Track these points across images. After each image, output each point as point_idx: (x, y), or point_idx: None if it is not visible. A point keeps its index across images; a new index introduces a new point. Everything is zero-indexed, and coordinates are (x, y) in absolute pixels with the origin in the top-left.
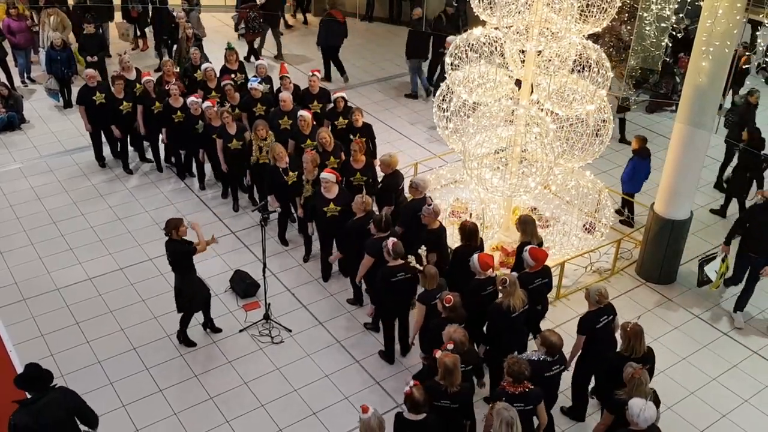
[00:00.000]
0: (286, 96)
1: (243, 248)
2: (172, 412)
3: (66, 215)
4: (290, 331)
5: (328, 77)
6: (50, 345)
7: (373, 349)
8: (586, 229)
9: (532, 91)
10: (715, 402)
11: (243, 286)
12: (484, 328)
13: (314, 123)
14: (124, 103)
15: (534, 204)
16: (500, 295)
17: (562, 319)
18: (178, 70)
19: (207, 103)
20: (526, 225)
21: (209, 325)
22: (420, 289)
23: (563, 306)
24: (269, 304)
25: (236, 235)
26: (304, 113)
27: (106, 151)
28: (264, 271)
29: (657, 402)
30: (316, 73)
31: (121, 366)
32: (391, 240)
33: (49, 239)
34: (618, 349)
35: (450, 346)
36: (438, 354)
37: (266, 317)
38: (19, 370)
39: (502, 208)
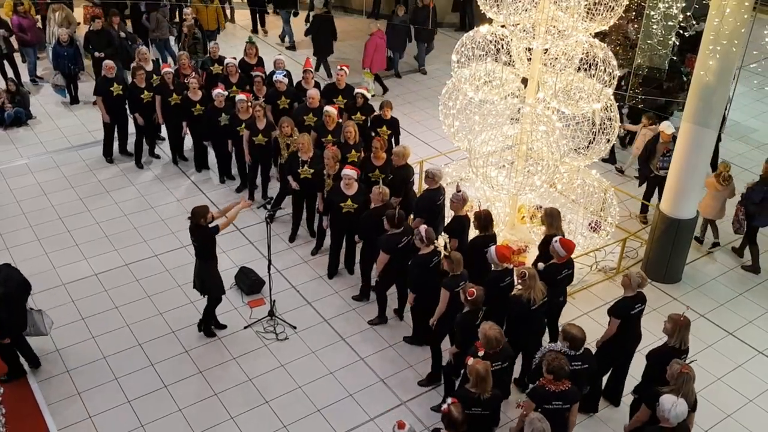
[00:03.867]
0: (314, 93)
1: (248, 245)
2: (176, 408)
3: (72, 211)
4: (295, 328)
5: (255, 29)
6: (56, 340)
7: (377, 347)
8: (591, 227)
9: (538, 90)
10: (720, 402)
11: (248, 282)
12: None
13: (339, 119)
14: (145, 92)
15: (539, 202)
16: (518, 287)
17: (568, 318)
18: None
19: (241, 96)
20: (553, 218)
21: (214, 321)
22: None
23: (568, 305)
24: (274, 300)
25: (242, 232)
26: (330, 109)
27: (114, 146)
28: (269, 268)
29: (695, 402)
30: (344, 67)
31: (126, 362)
32: (423, 227)
33: (55, 235)
34: (667, 343)
35: (481, 353)
36: (470, 361)
37: (271, 314)
38: (25, 367)
39: (507, 206)
